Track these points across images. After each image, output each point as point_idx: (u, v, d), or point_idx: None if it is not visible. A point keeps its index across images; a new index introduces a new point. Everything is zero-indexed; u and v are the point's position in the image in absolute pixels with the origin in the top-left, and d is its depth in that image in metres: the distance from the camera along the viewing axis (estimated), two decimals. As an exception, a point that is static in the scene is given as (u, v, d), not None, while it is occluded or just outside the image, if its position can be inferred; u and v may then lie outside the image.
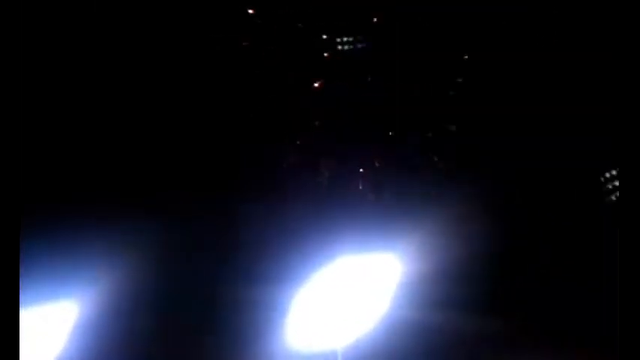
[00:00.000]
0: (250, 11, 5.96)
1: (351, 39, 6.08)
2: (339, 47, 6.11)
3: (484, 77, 5.97)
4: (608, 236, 5.42)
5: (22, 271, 4.24)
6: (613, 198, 5.90)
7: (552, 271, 5.68)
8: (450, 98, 5.98)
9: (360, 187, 5.78)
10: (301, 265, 5.07)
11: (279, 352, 5.07)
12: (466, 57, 5.97)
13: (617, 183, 5.89)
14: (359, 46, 6.10)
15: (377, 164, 5.88)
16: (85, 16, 5.67)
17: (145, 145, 5.70)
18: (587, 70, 5.82)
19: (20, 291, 4.19)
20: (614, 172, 5.89)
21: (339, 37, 6.09)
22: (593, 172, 5.91)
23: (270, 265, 5.35)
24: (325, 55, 6.06)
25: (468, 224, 5.50)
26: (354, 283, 5.02)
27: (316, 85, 6.00)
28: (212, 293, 5.39)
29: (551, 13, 5.90)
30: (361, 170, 5.87)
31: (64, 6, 5.63)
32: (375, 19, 6.06)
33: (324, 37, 6.06)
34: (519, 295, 5.58)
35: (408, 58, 5.97)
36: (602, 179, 5.91)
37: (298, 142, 5.92)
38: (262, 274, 5.34)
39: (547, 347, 5.38)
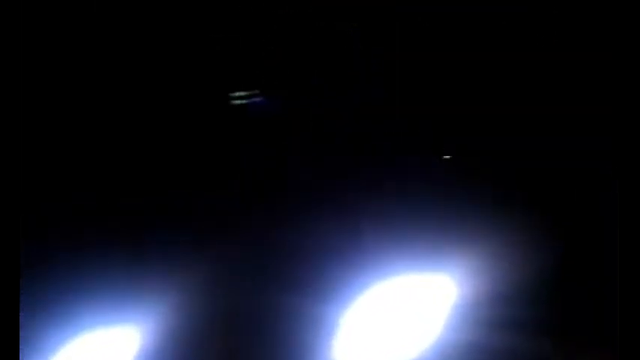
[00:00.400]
0: (251, 12, 5.97)
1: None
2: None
3: (484, 77, 5.96)
4: (608, 236, 5.41)
5: (79, 296, 4.20)
6: (613, 198, 5.88)
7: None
8: (451, 98, 5.98)
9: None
10: (354, 283, 4.98)
11: None
12: (466, 57, 5.98)
13: (617, 183, 5.88)
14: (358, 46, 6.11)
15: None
16: (84, 15, 5.68)
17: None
18: (587, 70, 5.82)
19: (80, 317, 4.15)
20: (613, 172, 5.88)
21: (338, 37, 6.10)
22: (593, 172, 5.90)
23: (322, 283, 5.22)
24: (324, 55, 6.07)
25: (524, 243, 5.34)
26: (407, 303, 4.95)
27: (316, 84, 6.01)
28: (266, 312, 5.27)
29: (551, 13, 5.90)
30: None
31: (63, 5, 5.64)
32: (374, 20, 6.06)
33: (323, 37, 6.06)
34: (575, 316, 5.41)
35: (407, 58, 5.97)
36: (602, 179, 5.91)
37: (298, 143, 5.92)
38: (313, 291, 5.23)
39: None
